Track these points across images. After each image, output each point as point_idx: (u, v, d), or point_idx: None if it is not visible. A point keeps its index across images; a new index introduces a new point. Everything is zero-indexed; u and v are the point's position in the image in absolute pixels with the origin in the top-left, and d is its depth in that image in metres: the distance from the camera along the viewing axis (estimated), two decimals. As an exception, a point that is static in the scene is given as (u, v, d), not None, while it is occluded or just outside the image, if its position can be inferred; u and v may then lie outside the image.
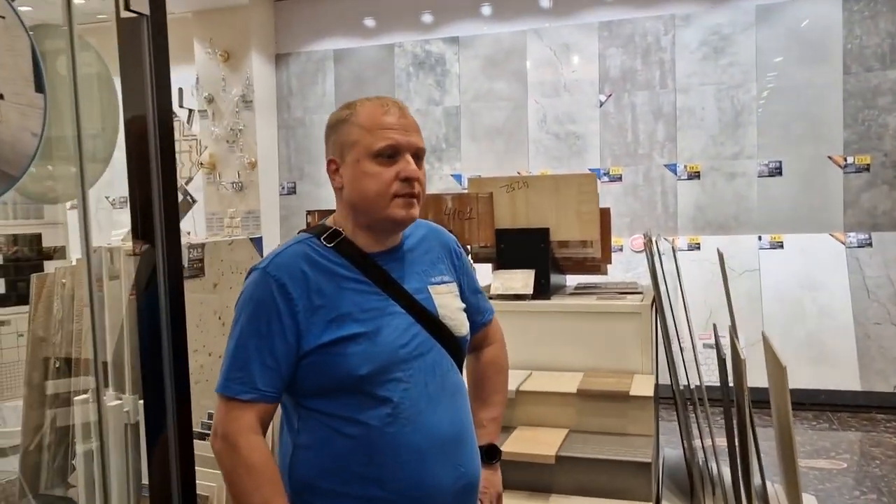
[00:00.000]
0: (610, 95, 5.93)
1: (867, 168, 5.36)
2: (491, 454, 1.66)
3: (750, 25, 5.58)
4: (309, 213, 3.35)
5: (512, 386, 2.72)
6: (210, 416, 2.27)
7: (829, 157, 5.43)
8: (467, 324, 1.53)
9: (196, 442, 2.18)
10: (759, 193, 5.62)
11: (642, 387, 2.72)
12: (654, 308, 3.03)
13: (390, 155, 1.38)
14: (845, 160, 5.41)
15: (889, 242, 5.29)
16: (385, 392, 1.36)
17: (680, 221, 5.79)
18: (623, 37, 5.88)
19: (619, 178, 5.92)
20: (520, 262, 3.16)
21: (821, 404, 5.03)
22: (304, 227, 1.86)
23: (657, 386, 2.90)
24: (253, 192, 6.54)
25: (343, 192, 1.43)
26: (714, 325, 3.30)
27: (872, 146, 5.35)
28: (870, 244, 5.33)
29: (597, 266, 3.48)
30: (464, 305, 1.54)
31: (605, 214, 3.32)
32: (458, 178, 6.28)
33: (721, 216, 5.69)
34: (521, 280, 3.10)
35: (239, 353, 1.35)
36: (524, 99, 6.13)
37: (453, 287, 1.53)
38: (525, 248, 3.15)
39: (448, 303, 1.49)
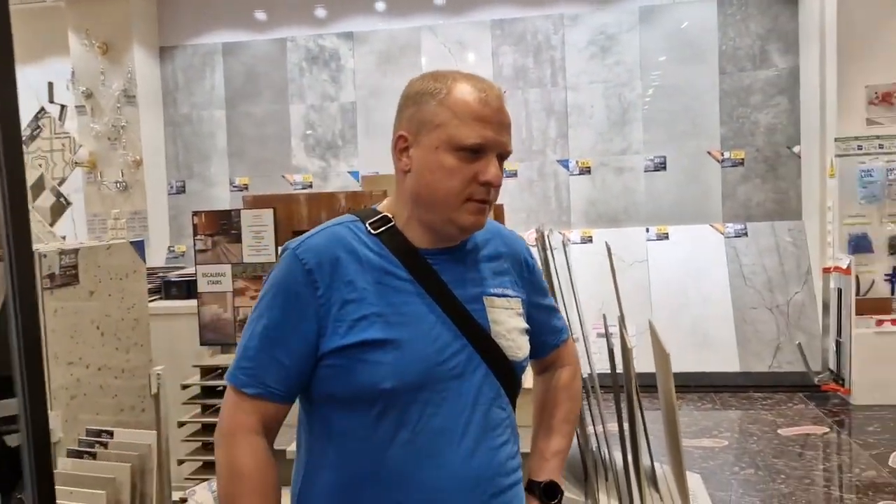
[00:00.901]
0: (504, 92, 6.00)
1: (742, 162, 5.69)
2: (550, 493, 1.34)
3: (634, 26, 5.81)
4: (195, 213, 3.22)
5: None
6: (89, 433, 2.15)
7: (709, 153, 5.74)
8: (527, 348, 1.28)
9: (72, 461, 2.06)
10: (646, 187, 5.86)
11: (526, 381, 2.77)
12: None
13: (475, 151, 1.16)
14: (722, 155, 5.73)
15: (762, 232, 5.64)
16: (408, 415, 1.15)
17: (573, 215, 5.96)
18: (515, 35, 5.99)
19: (515, 174, 6.03)
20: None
21: (704, 386, 5.31)
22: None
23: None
24: (139, 191, 6.24)
25: (407, 176, 1.20)
26: (604, 316, 3.41)
27: (746, 142, 5.69)
28: (745, 234, 5.67)
29: (492, 261, 3.53)
30: (526, 326, 1.28)
31: (497, 211, 3.37)
32: (355, 175, 6.22)
33: (611, 210, 5.90)
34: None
35: (252, 342, 1.18)
36: (419, 95, 6.13)
37: (516, 304, 1.28)
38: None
39: (505, 320, 1.24)
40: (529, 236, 5.91)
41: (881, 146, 4.87)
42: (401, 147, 1.21)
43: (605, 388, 2.99)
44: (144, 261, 3.04)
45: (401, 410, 1.14)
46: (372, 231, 1.21)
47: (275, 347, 1.16)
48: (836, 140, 4.95)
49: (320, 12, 6.22)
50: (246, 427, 1.16)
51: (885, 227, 4.89)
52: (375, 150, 6.21)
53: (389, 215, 1.23)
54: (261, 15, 6.30)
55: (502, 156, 1.21)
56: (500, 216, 3.36)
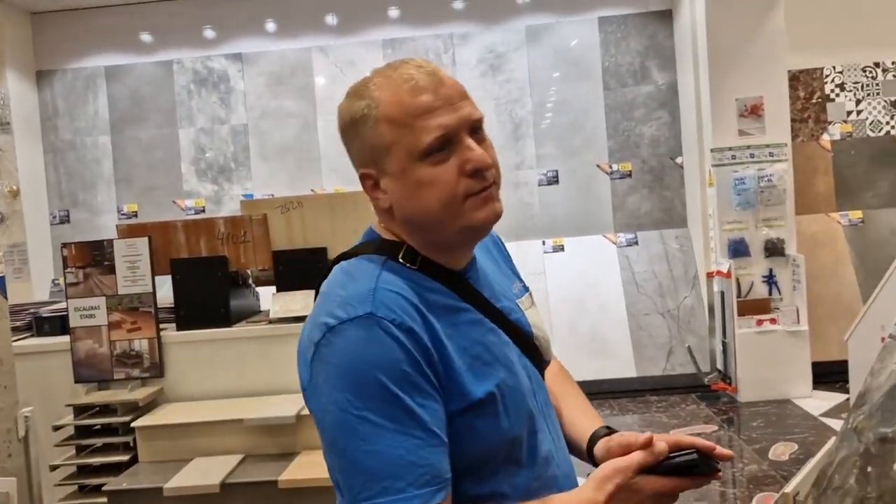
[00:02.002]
0: (397, 111, 6.04)
1: (629, 174, 5.91)
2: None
3: (521, 45, 5.96)
4: (64, 245, 3.08)
5: (292, 411, 2.67)
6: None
7: (598, 166, 5.93)
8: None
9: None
10: (541, 201, 6.00)
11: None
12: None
13: (442, 146, 0.98)
14: (611, 167, 5.93)
15: (651, 240, 5.86)
16: (531, 451, 1.02)
17: (471, 231, 6.02)
18: (406, 54, 6.02)
19: (412, 192, 6.04)
20: (300, 283, 3.11)
21: (604, 393, 5.45)
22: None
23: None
24: (17, 223, 5.90)
25: (394, 211, 1.03)
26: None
27: (632, 154, 5.92)
28: (636, 243, 5.87)
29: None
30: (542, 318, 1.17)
31: (383, 230, 3.37)
32: (249, 197, 6.09)
33: (508, 224, 6.00)
34: (301, 302, 3.05)
35: (403, 443, 0.89)
36: (313, 116, 6.08)
37: (528, 298, 1.17)
38: (304, 269, 3.10)
39: (535, 318, 1.14)
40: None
41: (752, 155, 5.16)
42: (369, 185, 1.06)
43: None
44: (6, 297, 2.87)
45: (527, 448, 1.02)
46: (410, 266, 1.01)
47: (424, 432, 0.91)
48: (711, 150, 5.21)
49: (208, 33, 6.09)
50: None
51: (759, 231, 5.17)
52: (271, 172, 6.11)
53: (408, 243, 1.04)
54: (145, 37, 6.11)
55: (475, 127, 1.02)
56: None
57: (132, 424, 2.77)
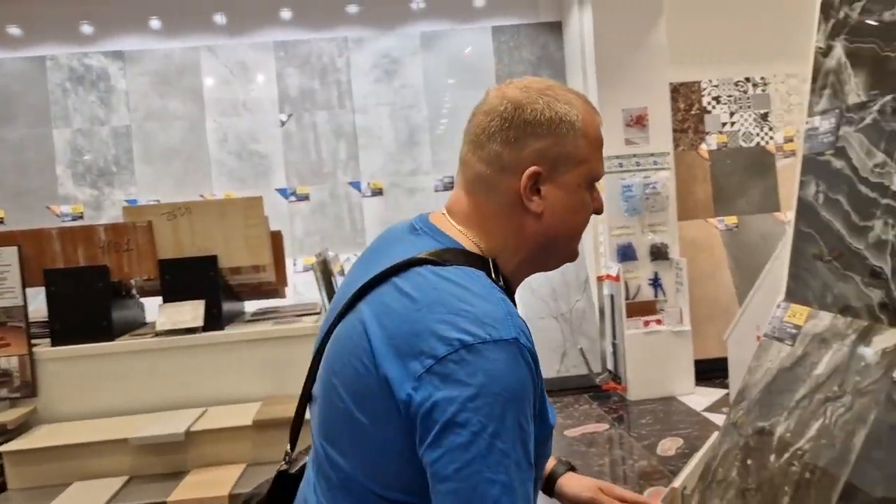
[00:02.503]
0: (291, 115, 5.92)
1: (523, 180, 6.04)
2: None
3: (416, 51, 5.97)
4: (-80, 255, 2.80)
5: (181, 427, 2.55)
6: None
7: (492, 172, 6.02)
8: None
9: None
10: (438, 207, 6.00)
11: (320, 408, 2.71)
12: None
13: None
14: (505, 174, 6.03)
15: (544, 245, 6.01)
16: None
17: (367, 237, 5.97)
18: (299, 57, 5.92)
19: (307, 198, 5.94)
20: (189, 293, 2.97)
21: (501, 396, 5.52)
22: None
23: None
24: None
25: (540, 219, 0.99)
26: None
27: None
28: (530, 248, 6.00)
29: (274, 290, 3.42)
30: None
31: (276, 238, 3.28)
32: (133, 203, 5.78)
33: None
34: (191, 312, 2.92)
35: (520, 474, 0.85)
36: (202, 118, 5.86)
37: None
38: (193, 278, 2.97)
39: None
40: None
41: (638, 163, 5.39)
42: (530, 185, 0.97)
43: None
44: None
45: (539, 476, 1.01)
46: (499, 285, 0.97)
47: (533, 465, 0.89)
48: (600, 158, 5.40)
49: (85, 29, 5.75)
50: None
51: (646, 236, 5.40)
52: (156, 176, 5.83)
53: (493, 258, 1.00)
54: (14, 30, 5.70)
55: None
56: (278, 243, 3.27)
57: (0, 449, 2.56)
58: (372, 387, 0.90)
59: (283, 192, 5.92)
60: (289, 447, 1.19)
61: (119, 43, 5.81)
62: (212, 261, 3.00)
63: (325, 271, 3.11)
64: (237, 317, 3.31)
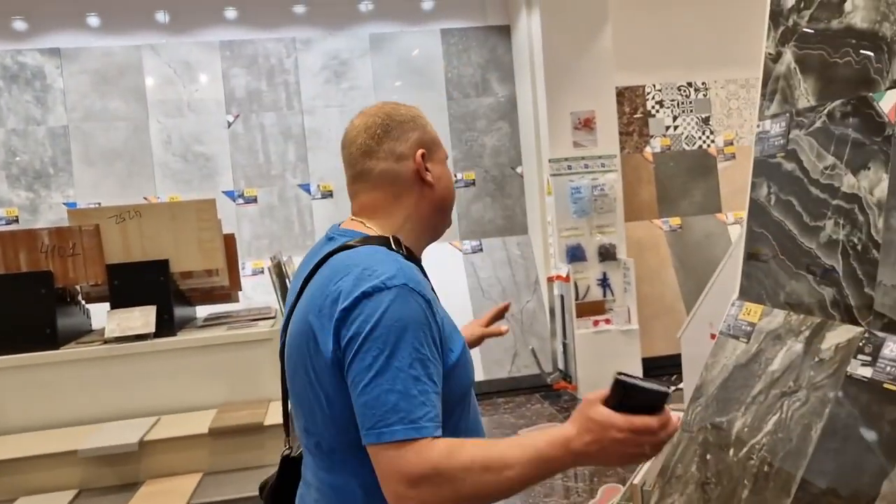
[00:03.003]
0: (238, 116, 5.81)
1: (473, 183, 6.07)
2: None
3: (365, 52, 5.94)
4: None
5: (133, 437, 2.47)
6: None
7: (443, 174, 6.03)
8: None
9: None
10: (387, 209, 5.99)
11: (277, 414, 2.67)
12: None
13: None
14: (456, 176, 6.06)
15: (495, 247, 6.05)
16: (471, 395, 1.29)
17: (318, 239, 5.89)
18: (246, 57, 5.81)
19: (255, 200, 5.84)
20: (138, 298, 2.89)
21: (453, 397, 5.54)
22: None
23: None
24: None
25: (433, 190, 1.30)
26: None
27: (475, 163, 6.08)
28: (481, 250, 6.04)
29: (227, 294, 3.35)
30: None
31: (229, 241, 3.21)
32: (72, 206, 5.58)
33: (355, 232, 5.93)
34: (141, 318, 2.84)
35: (417, 386, 1.05)
36: (145, 119, 5.70)
37: None
38: (143, 283, 2.89)
39: None
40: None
41: (586, 166, 5.48)
42: (420, 163, 1.28)
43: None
44: None
45: (469, 398, 1.26)
46: (401, 253, 1.21)
47: (435, 383, 1.09)
48: (549, 161, 5.47)
49: (19, 25, 5.52)
50: (439, 453, 1.04)
51: (594, 237, 5.50)
52: (97, 178, 5.64)
53: (396, 236, 1.25)
54: (-58, 25, 5.44)
55: None
56: (231, 246, 3.20)
57: (-62, 465, 2.44)
58: (321, 361, 1.12)
59: (230, 194, 5.80)
60: (285, 435, 1.43)
61: (55, 40, 5.60)
62: (163, 265, 2.92)
63: (279, 274, 3.06)
64: (189, 322, 3.23)
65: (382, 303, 1.07)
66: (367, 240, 1.21)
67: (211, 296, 3.30)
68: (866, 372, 1.64)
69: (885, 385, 1.58)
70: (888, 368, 1.59)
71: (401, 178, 1.27)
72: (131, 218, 2.90)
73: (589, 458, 1.06)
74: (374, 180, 1.27)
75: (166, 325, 2.89)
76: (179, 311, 3.04)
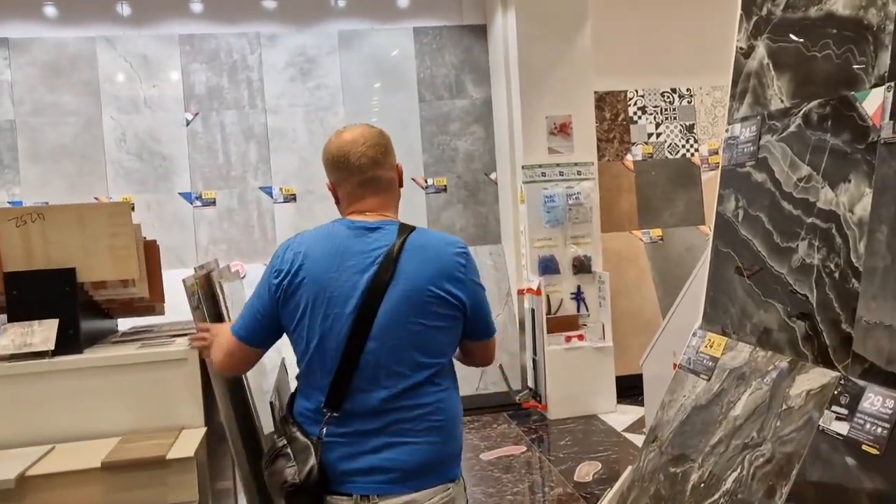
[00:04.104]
0: (197, 114, 5.51)
1: (444, 189, 5.78)
2: None
3: (334, 50, 5.65)
4: None
5: (11, 472, 2.16)
6: None
7: (413, 179, 5.74)
8: None
9: None
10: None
11: (186, 445, 2.36)
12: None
13: None
14: (426, 182, 5.77)
15: (466, 256, 5.76)
16: None
17: (279, 245, 5.60)
18: (207, 52, 5.52)
19: (213, 203, 5.53)
20: (41, 311, 2.57)
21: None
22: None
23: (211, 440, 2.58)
24: None
25: (399, 190, 1.76)
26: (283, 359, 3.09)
27: (447, 168, 5.79)
28: (451, 259, 5.74)
29: (148, 307, 3.04)
30: None
31: (151, 248, 2.90)
32: (17, 205, 5.27)
33: (319, 238, 5.64)
34: (41, 334, 2.53)
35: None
36: (98, 114, 5.39)
37: None
38: (45, 294, 2.57)
39: None
40: (234, 269, 5.44)
41: (561, 173, 5.20)
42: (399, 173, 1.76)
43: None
44: None
45: None
46: None
47: None
48: (523, 167, 5.19)
49: (-34, 13, 5.21)
50: None
51: (568, 248, 5.21)
52: (45, 176, 5.32)
53: None
54: None
55: None
56: (153, 254, 2.90)
57: None
58: (451, 305, 1.61)
59: (187, 196, 5.50)
60: (324, 405, 1.60)
61: (4, 29, 5.29)
62: (68, 274, 2.61)
63: (207, 287, 2.75)
64: (103, 337, 2.92)
65: (474, 260, 1.67)
66: (407, 225, 1.66)
67: (130, 308, 3.00)
68: (841, 428, 1.35)
69: (864, 446, 1.29)
70: (867, 426, 1.30)
71: (394, 184, 1.72)
72: (33, 221, 2.59)
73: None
74: (382, 185, 1.68)
75: (71, 341, 2.57)
76: (91, 325, 2.73)
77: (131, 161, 5.44)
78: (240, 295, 3.31)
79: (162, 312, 3.12)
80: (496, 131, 5.79)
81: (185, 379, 2.58)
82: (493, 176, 5.85)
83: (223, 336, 1.80)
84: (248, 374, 2.71)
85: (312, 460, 1.54)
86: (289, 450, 1.61)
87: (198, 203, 5.51)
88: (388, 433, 1.53)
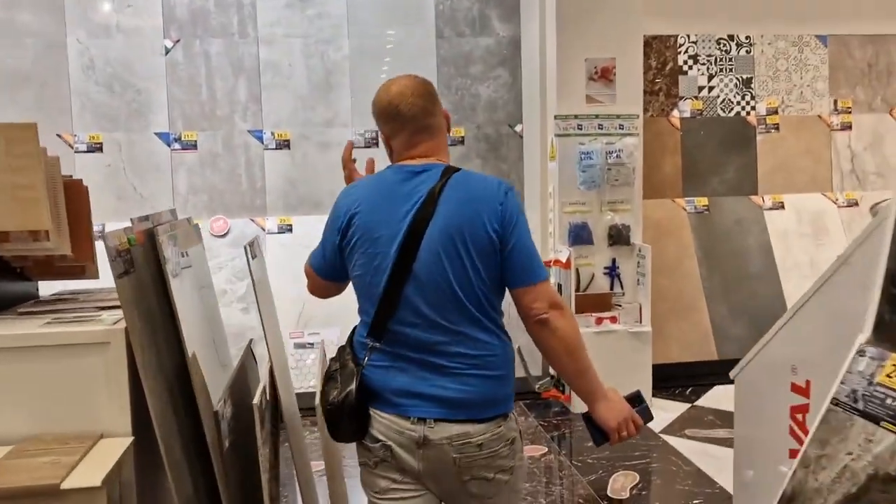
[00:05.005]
0: (178, 41, 4.74)
1: (462, 141, 5.02)
2: None
3: (339, -28, 4.84)
4: None
5: None
6: None
7: (426, 128, 4.98)
8: None
9: None
10: (357, 166, 4.94)
11: (96, 466, 1.68)
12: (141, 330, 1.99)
13: None
14: (441, 132, 5.00)
15: (483, 220, 5.03)
16: None
17: (269, 198, 4.88)
18: (191, -32, 4.72)
19: (194, 146, 4.79)
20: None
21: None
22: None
23: (135, 451, 1.88)
24: None
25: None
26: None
27: (465, 117, 5.02)
28: (466, 222, 5.01)
29: (79, 268, 2.34)
30: None
31: (74, 189, 2.19)
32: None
33: (315, 192, 4.91)
34: None
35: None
36: (62, 37, 4.63)
37: None
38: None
39: None
40: (216, 225, 4.74)
41: (600, 126, 4.43)
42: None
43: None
44: None
45: None
46: None
47: None
48: (556, 118, 4.42)
49: None
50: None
51: (604, 215, 4.47)
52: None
53: None
54: None
55: None
56: (78, 198, 2.18)
57: None
58: (494, 242, 1.64)
59: (164, 137, 4.76)
60: (367, 334, 1.69)
61: (-47, -69, 4.51)
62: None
63: (150, 248, 2.05)
64: (11, 304, 2.23)
65: (518, 198, 1.70)
66: (452, 167, 1.71)
67: (51, 268, 2.30)
68: None
69: None
70: None
71: (443, 130, 1.79)
72: None
73: (607, 401, 1.70)
74: (434, 132, 1.75)
75: (-48, 313, 1.88)
76: (-9, 290, 2.03)
77: (100, 93, 4.69)
78: (201, 268, 2.59)
79: (95, 276, 2.42)
80: (524, 76, 5.00)
81: (106, 368, 1.90)
82: (517, 128, 5.08)
83: (305, 269, 1.89)
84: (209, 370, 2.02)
85: (353, 384, 1.63)
86: (338, 374, 1.69)
87: (176, 146, 4.77)
88: (439, 366, 1.61)
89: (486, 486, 1.65)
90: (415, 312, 1.61)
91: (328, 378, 1.70)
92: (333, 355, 1.79)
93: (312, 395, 2.01)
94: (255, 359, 2.86)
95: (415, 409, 1.61)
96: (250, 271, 2.28)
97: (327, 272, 1.79)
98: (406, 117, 1.70)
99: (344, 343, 1.78)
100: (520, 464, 1.73)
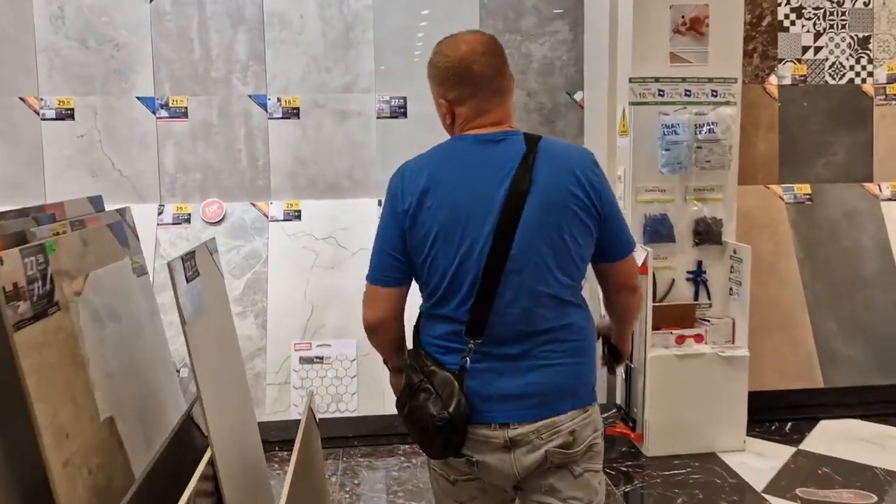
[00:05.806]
0: (165, -14, 3.90)
1: (509, 111, 4.11)
2: None
3: None
4: None
5: None
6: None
7: (465, 95, 4.09)
8: None
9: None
10: (381, 141, 4.10)
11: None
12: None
13: None
14: (483, 100, 4.11)
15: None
16: None
17: (274, 179, 4.04)
18: None
19: (185, 114, 3.97)
20: None
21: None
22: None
23: None
24: None
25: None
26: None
27: (516, 83, 4.11)
28: (512, 210, 4.13)
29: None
30: None
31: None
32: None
33: (330, 172, 4.06)
34: None
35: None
36: (25, -20, 3.83)
37: None
38: None
39: None
40: (209, 209, 3.93)
41: (687, 92, 3.49)
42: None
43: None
44: None
45: None
46: None
47: None
48: (630, 81, 3.49)
49: None
50: None
51: (689, 206, 3.55)
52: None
53: None
54: None
55: None
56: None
57: None
58: (589, 214, 1.52)
59: (149, 102, 3.95)
60: (465, 332, 1.49)
61: None
62: None
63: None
64: None
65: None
66: (532, 134, 1.56)
67: None
68: None
69: None
70: None
71: (512, 94, 1.62)
72: None
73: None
74: (505, 96, 1.57)
75: None
76: None
77: (72, 49, 3.88)
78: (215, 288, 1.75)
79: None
80: (587, 32, 4.07)
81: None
82: (578, 96, 4.16)
83: (365, 296, 1.56)
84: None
85: (458, 392, 1.46)
86: (428, 384, 1.48)
87: (163, 113, 3.95)
88: (533, 356, 1.48)
89: (571, 482, 1.54)
90: (515, 298, 1.47)
91: (417, 390, 1.49)
92: (407, 362, 1.57)
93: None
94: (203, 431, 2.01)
95: (496, 415, 1.48)
96: (178, 302, 1.44)
97: (403, 275, 1.53)
98: (479, 80, 1.52)
99: (410, 347, 1.59)
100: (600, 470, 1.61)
